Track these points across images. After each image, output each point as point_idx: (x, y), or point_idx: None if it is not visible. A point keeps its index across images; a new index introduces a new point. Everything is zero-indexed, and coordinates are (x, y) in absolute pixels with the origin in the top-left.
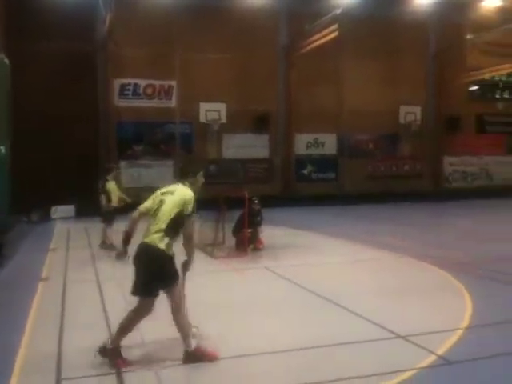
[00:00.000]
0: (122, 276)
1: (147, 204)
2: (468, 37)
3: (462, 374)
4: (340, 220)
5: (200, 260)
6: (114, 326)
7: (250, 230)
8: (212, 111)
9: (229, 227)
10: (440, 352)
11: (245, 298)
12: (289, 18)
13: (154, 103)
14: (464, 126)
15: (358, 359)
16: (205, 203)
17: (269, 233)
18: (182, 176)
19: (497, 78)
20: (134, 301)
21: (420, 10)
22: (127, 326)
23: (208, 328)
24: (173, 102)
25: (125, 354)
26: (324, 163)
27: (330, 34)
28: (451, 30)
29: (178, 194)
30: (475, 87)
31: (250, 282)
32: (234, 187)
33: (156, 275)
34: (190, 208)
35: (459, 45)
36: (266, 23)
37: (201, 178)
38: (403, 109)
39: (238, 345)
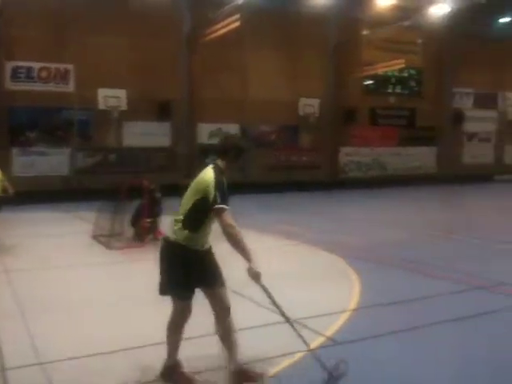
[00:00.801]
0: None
1: None
2: (364, 32)
3: (349, 353)
4: (242, 209)
5: (94, 251)
6: None
7: (149, 220)
8: (112, 97)
9: (127, 217)
10: (329, 333)
11: (137, 288)
12: (192, 5)
13: (50, 87)
14: (359, 118)
15: (248, 345)
16: (104, 193)
17: (168, 222)
18: (219, 153)
19: (390, 74)
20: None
21: (320, 3)
22: (172, 337)
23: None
24: (70, 87)
25: None
26: None
27: (232, 23)
28: (349, 24)
29: (198, 179)
30: (370, 81)
31: (145, 272)
32: (133, 176)
33: (180, 274)
34: (212, 195)
35: (356, 40)
36: (168, 9)
37: (239, 161)
38: (303, 101)
39: (130, 334)
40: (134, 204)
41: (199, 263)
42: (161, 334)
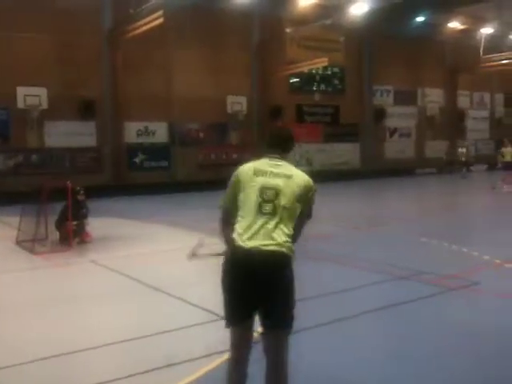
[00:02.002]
0: None
1: (232, 195)
2: (287, 30)
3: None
4: (172, 208)
5: (18, 257)
6: None
7: (75, 223)
8: (31, 96)
9: (51, 220)
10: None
11: (64, 293)
12: (114, 0)
13: None
14: (286, 115)
15: (185, 344)
16: (25, 196)
17: (97, 224)
18: (285, 148)
19: (314, 72)
20: None
21: (244, 1)
22: None
23: (10, 329)
24: None
25: None
26: (156, 151)
27: (155, 20)
28: (273, 22)
29: (298, 181)
30: (295, 79)
31: (72, 276)
32: (56, 177)
33: (285, 299)
34: (312, 200)
35: (279, 38)
36: (90, 4)
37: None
38: (230, 98)
39: (55, 343)
40: (58, 207)
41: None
42: (90, 338)
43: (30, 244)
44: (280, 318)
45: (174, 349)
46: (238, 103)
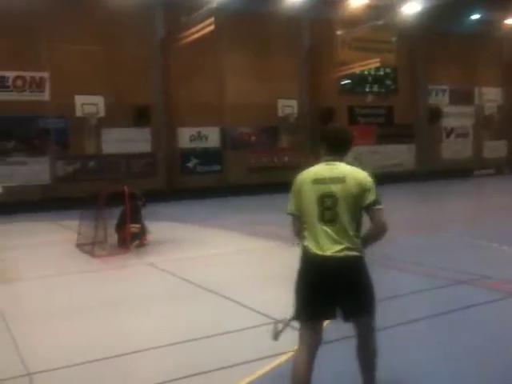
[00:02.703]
0: None
1: (295, 203)
2: (338, 32)
3: (338, 352)
4: (224, 212)
5: (78, 260)
6: None
7: (138, 225)
8: (89, 104)
9: (110, 224)
10: None
11: (123, 295)
12: (165, 9)
13: (25, 96)
14: (337, 117)
15: (240, 346)
16: (83, 201)
17: (153, 228)
18: (343, 150)
19: (366, 72)
20: None
21: (293, 5)
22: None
23: (80, 327)
24: (45, 95)
25: None
26: (208, 156)
27: (207, 27)
28: (323, 25)
29: (356, 180)
30: (347, 81)
31: (131, 279)
32: (113, 183)
33: (362, 293)
34: (373, 196)
35: (330, 40)
36: (141, 14)
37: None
38: (281, 102)
39: (116, 344)
40: (116, 211)
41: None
42: (148, 340)
43: (89, 247)
44: (360, 310)
45: (227, 352)
46: (288, 106)
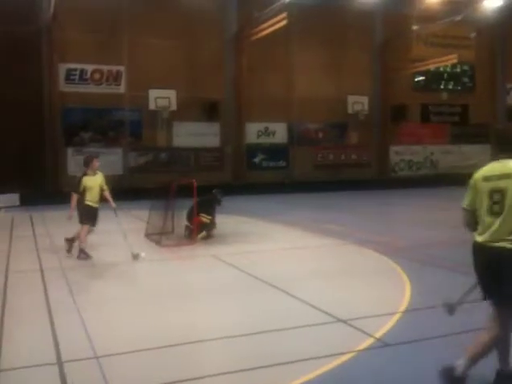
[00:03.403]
0: (67, 266)
1: (470, 198)
2: (413, 27)
3: (399, 356)
4: (289, 207)
5: (146, 249)
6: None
7: (209, 217)
8: (162, 98)
9: (179, 216)
10: (378, 335)
11: (183, 285)
12: (238, 5)
13: (102, 89)
14: (409, 115)
15: (299, 343)
16: (153, 192)
17: (219, 221)
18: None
19: (441, 69)
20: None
21: (367, 0)
22: (483, 350)
23: (144, 315)
24: (121, 88)
25: None
26: (274, 152)
27: (279, 22)
28: (397, 20)
29: None
30: (421, 77)
31: (195, 269)
32: (183, 175)
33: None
34: None
35: (405, 35)
36: (214, 9)
37: None
38: (351, 98)
39: (180, 333)
40: (186, 203)
41: None
42: (214, 328)
43: (157, 237)
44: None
45: (286, 347)
46: (359, 103)
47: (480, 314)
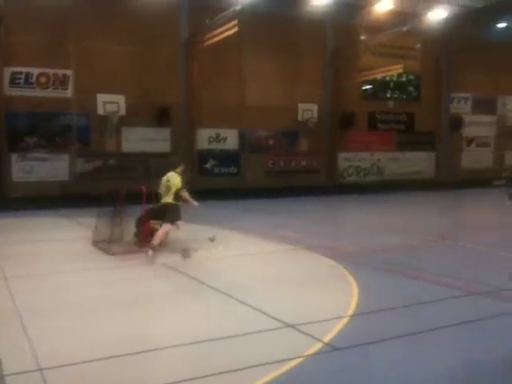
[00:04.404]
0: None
1: None
2: (362, 37)
3: (348, 359)
4: (240, 214)
5: (91, 257)
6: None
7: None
8: (110, 103)
9: (128, 223)
10: (327, 339)
11: (132, 294)
12: (189, 11)
13: (49, 93)
14: (357, 123)
15: (250, 350)
16: (103, 198)
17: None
18: None
19: (388, 79)
20: None
21: (318, 9)
22: None
23: (88, 325)
24: (69, 92)
25: None
26: (226, 158)
27: (230, 29)
28: (347, 30)
29: None
30: (368, 86)
31: (144, 278)
32: (133, 181)
33: None
34: None
35: (354, 45)
36: (166, 15)
37: None
38: (301, 106)
39: (130, 343)
40: (134, 210)
41: None
42: (164, 337)
43: (105, 245)
44: None
45: (236, 354)
46: (308, 110)
47: (427, 315)
